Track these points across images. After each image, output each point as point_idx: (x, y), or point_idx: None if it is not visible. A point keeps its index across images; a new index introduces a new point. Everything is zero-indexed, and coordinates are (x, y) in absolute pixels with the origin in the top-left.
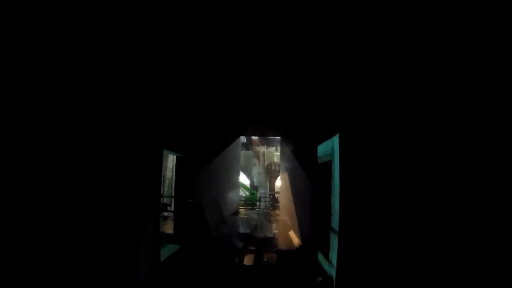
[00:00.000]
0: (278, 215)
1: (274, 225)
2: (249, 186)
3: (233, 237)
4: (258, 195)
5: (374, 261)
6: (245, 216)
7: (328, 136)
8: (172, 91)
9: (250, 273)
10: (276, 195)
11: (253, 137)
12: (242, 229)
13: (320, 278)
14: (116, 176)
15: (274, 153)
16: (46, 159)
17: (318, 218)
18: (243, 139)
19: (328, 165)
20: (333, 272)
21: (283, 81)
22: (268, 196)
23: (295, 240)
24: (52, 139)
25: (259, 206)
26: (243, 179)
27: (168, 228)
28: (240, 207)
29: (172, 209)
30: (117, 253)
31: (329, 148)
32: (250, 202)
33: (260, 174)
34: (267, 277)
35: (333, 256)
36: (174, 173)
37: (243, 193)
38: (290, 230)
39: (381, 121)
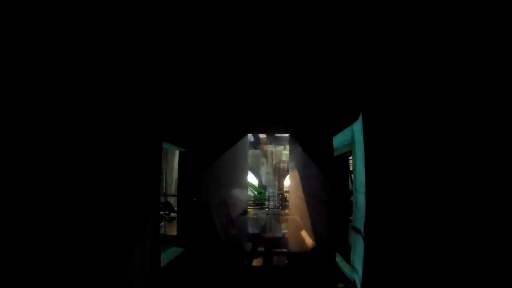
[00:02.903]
0: (288, 214)
1: (283, 225)
2: (257, 186)
3: (242, 238)
4: (266, 194)
5: (407, 265)
6: (254, 216)
7: (346, 123)
8: (174, 81)
9: (261, 276)
10: (285, 195)
11: (261, 136)
12: (251, 230)
13: (341, 285)
14: (108, 170)
15: (283, 151)
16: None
17: (335, 216)
18: (250, 137)
19: (345, 157)
20: (356, 278)
21: (290, 73)
22: (276, 195)
23: (308, 240)
24: (42, 127)
25: (268, 205)
26: (251, 178)
27: (174, 230)
28: (249, 207)
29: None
30: (108, 259)
31: (348, 137)
32: (259, 202)
33: (268, 174)
34: (279, 281)
35: (356, 259)
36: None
37: (251, 192)
38: (301, 230)
39: (413, 100)
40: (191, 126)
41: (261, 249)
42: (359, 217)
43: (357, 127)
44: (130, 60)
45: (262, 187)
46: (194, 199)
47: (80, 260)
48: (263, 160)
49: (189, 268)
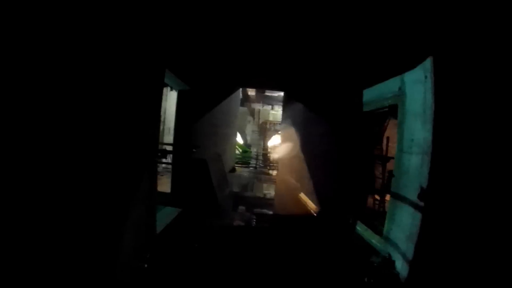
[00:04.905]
0: (275, 175)
1: (275, 187)
2: (242, 144)
3: (235, 198)
4: (252, 153)
5: (472, 245)
6: (243, 175)
7: (386, 74)
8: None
9: (266, 241)
10: (269, 155)
11: (249, 93)
12: (242, 190)
13: (377, 259)
14: (90, 97)
15: (270, 111)
16: None
17: (354, 180)
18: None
19: (379, 113)
20: (391, 251)
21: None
22: (261, 155)
23: (310, 204)
24: None
25: (256, 165)
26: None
27: (165, 185)
28: (235, 165)
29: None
30: (96, 225)
31: (392, 89)
32: (244, 161)
33: (254, 132)
34: (289, 249)
35: (396, 230)
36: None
37: (236, 151)
38: (299, 193)
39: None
40: (194, 60)
41: (258, 210)
42: (407, 182)
43: (413, 76)
44: None
45: (247, 146)
46: (194, 150)
47: (59, 225)
48: (250, 118)
49: (187, 233)
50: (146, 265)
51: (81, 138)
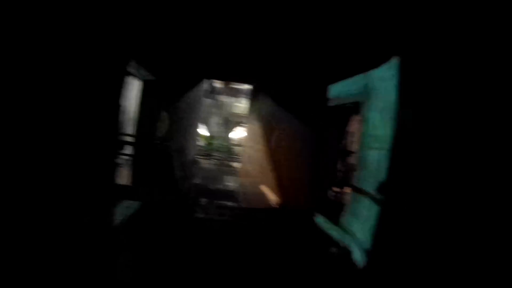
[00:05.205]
0: (239, 167)
1: (238, 179)
2: (206, 136)
3: (198, 190)
4: (216, 145)
5: (429, 236)
6: (206, 166)
7: (352, 71)
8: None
9: (228, 233)
10: (233, 147)
11: (215, 85)
12: (206, 182)
13: (335, 250)
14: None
15: (235, 104)
16: None
17: (317, 173)
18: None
19: (344, 108)
20: (350, 242)
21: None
22: (225, 147)
23: (271, 196)
24: None
25: (219, 157)
26: (201, 128)
27: (123, 177)
28: (199, 157)
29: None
30: (50, 219)
31: (357, 85)
32: (208, 153)
33: (218, 125)
34: (251, 241)
35: (356, 222)
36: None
37: (200, 142)
38: (261, 185)
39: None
40: (160, 50)
41: (221, 203)
42: (367, 176)
43: (378, 74)
44: None
45: (211, 138)
46: (157, 142)
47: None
48: (214, 110)
49: (148, 228)
50: (104, 261)
51: (33, 130)
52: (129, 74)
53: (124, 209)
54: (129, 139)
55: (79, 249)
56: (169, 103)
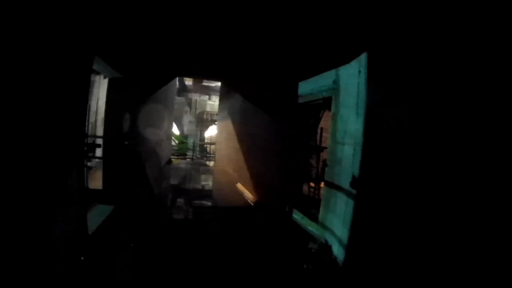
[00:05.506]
0: (213, 166)
1: (213, 177)
2: (179, 135)
3: (172, 191)
4: (189, 144)
5: (402, 229)
6: (180, 166)
7: (321, 67)
8: None
9: (206, 233)
10: (206, 146)
11: (186, 83)
12: (180, 182)
13: (314, 245)
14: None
15: (208, 101)
16: None
17: (291, 169)
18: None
19: (313, 105)
20: (328, 237)
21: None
22: (198, 146)
23: (247, 194)
24: None
25: (193, 156)
26: (173, 127)
27: (94, 181)
28: (172, 157)
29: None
30: (17, 231)
31: (327, 82)
32: (181, 152)
33: (191, 123)
34: (230, 239)
35: (332, 217)
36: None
37: (173, 142)
38: (236, 183)
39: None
40: (127, 46)
41: (197, 203)
42: (340, 171)
43: (348, 71)
44: None
45: (184, 137)
46: (126, 142)
47: None
48: (187, 108)
49: (123, 232)
50: (79, 271)
51: None
52: (94, 71)
53: (96, 214)
54: (97, 140)
55: (52, 259)
56: (139, 101)
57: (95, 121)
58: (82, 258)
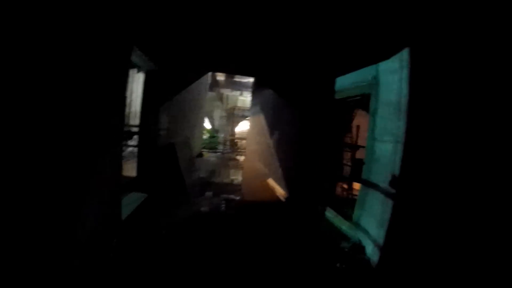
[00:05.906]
0: (243, 160)
1: (241, 171)
2: (210, 129)
3: (201, 183)
4: (219, 139)
5: (444, 233)
6: (210, 160)
7: (360, 63)
8: None
9: (232, 223)
10: (236, 140)
11: (218, 78)
12: (209, 174)
13: (346, 244)
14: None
15: (238, 97)
16: None
17: (325, 167)
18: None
19: (350, 101)
20: (361, 237)
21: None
22: (228, 140)
23: (278, 190)
24: None
25: (223, 150)
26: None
27: (127, 170)
28: (203, 150)
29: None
30: (58, 211)
31: (365, 78)
32: (212, 146)
33: (222, 118)
34: (260, 234)
35: (367, 217)
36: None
37: (204, 135)
38: (267, 178)
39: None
40: (163, 39)
41: (225, 196)
42: (378, 170)
43: (388, 66)
44: None
45: (215, 131)
46: (160, 133)
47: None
48: (218, 103)
49: (154, 220)
50: (112, 254)
51: (36, 126)
52: (132, 64)
53: (130, 201)
54: (134, 129)
55: (85, 246)
56: (173, 94)
57: (131, 112)
58: (115, 240)
